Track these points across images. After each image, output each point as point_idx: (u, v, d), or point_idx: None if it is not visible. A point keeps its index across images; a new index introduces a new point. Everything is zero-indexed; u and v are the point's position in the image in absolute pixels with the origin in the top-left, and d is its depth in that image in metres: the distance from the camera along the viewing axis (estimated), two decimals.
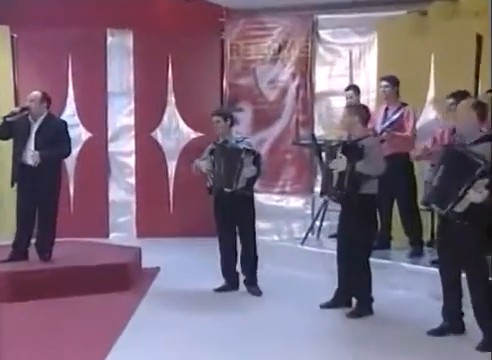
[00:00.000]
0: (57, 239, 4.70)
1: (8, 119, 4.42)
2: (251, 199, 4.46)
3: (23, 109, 4.49)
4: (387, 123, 4.82)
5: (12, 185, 4.52)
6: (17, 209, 4.53)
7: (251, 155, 4.36)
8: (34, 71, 6.20)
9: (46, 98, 4.55)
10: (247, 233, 4.47)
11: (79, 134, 6.37)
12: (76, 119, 6.39)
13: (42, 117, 4.48)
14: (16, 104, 5.94)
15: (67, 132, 4.54)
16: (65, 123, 4.59)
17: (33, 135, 4.47)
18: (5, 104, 5.68)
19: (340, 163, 3.91)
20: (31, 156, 4.36)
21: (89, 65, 6.30)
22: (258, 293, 4.52)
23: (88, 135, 6.44)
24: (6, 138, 4.55)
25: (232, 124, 4.49)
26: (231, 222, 4.41)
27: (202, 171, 4.38)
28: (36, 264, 4.52)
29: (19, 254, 4.59)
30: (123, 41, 6.37)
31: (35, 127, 4.49)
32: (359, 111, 4.07)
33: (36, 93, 4.53)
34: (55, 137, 4.45)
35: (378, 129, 4.83)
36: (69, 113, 6.36)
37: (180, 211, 6.37)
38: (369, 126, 4.28)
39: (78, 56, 6.27)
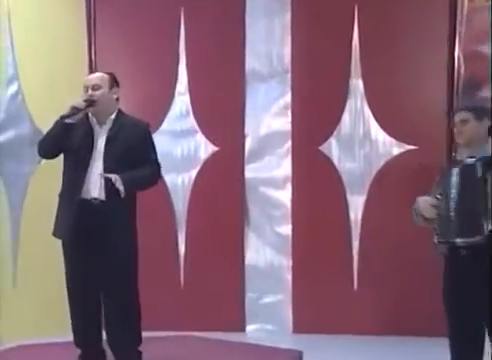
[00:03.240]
0: (152, 333, 4.00)
1: (67, 121, 3.56)
2: None
3: (88, 103, 3.64)
4: None
5: (56, 234, 3.67)
6: (69, 286, 3.69)
7: None
8: (120, 39, 5.20)
9: (115, 79, 3.76)
10: None
11: (196, 148, 5.12)
12: (191, 122, 5.10)
13: (112, 117, 3.69)
14: None
15: (153, 143, 3.77)
16: (148, 127, 3.79)
17: (102, 148, 3.63)
18: (77, 90, 4.45)
19: None
20: (115, 180, 3.52)
21: (215, 31, 5.07)
22: None
23: (211, 150, 5.13)
24: (54, 154, 3.69)
25: None
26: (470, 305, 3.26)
27: (427, 217, 3.30)
28: None
29: (90, 355, 3.78)
30: None
31: (102, 134, 3.67)
32: None
33: (102, 75, 3.74)
34: (134, 151, 3.65)
35: None
36: (178, 112, 5.20)
37: (373, 287, 4.90)
38: None
39: (196, 15, 5.08)
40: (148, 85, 4.74)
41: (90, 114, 3.61)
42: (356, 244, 4.85)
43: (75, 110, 3.52)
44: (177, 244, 4.95)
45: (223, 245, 4.94)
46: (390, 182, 4.73)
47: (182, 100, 5.01)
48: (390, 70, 4.82)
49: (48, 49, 4.84)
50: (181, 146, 4.87)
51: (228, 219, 4.97)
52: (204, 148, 5.03)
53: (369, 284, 4.79)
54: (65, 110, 3.54)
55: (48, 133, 3.60)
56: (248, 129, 5.01)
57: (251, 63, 4.99)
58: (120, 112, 3.70)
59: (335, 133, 4.94)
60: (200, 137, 5.02)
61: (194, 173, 4.98)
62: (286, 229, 4.98)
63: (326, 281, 4.81)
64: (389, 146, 4.85)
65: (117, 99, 3.66)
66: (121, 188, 3.49)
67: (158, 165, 3.73)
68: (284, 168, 4.99)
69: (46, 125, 4.46)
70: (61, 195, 3.61)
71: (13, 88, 4.75)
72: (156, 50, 4.97)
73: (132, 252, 3.62)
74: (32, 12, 4.84)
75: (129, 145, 3.61)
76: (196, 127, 5.01)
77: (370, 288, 4.78)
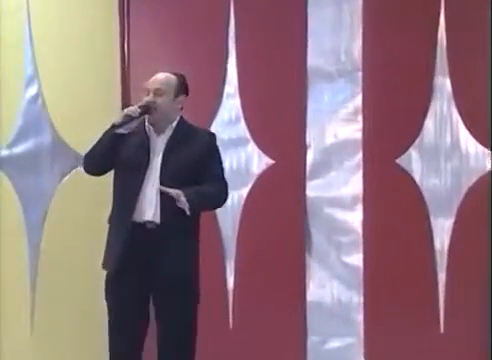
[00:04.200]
0: None
1: (119, 131, 3.53)
2: None
3: (145, 110, 3.56)
4: None
5: (106, 267, 3.60)
6: (113, 325, 3.61)
7: None
8: (157, 33, 4.94)
9: (185, 85, 3.72)
10: None
11: (247, 161, 4.87)
12: (241, 129, 4.85)
13: (173, 125, 3.65)
14: (125, 94, 4.85)
15: (220, 157, 3.76)
16: (215, 138, 3.79)
17: (159, 162, 3.58)
18: (107, 94, 4.75)
19: None
20: (178, 196, 3.46)
21: (271, 22, 4.80)
22: None
23: (266, 163, 4.86)
24: (102, 170, 3.66)
25: None
26: None
27: None
28: None
29: None
30: None
31: (160, 146, 3.64)
32: None
33: (167, 76, 3.67)
34: (197, 166, 3.64)
35: None
36: (226, 117, 4.91)
37: (464, 330, 4.59)
38: None
39: (248, 3, 4.87)
40: (190, 86, 4.32)
41: (147, 121, 3.55)
42: (442, 277, 4.59)
43: (128, 118, 3.45)
44: (225, 276, 4.71)
45: (280, 278, 4.69)
46: (483, 202, 4.50)
47: (231, 104, 4.81)
48: (484, 66, 4.56)
49: (73, 44, 4.74)
50: (230, 158, 4.62)
51: (286, 246, 4.71)
52: (257, 161, 4.80)
53: (459, 326, 4.54)
54: (117, 118, 3.47)
55: (96, 145, 3.53)
56: (310, 138, 4.75)
57: (314, 59, 4.75)
58: (182, 120, 3.62)
59: (416, 143, 4.69)
60: (252, 148, 4.78)
61: (245, 191, 4.72)
62: (356, 259, 4.72)
63: (405, 322, 4.57)
64: (482, 158, 4.62)
65: (182, 108, 3.61)
66: (185, 205, 3.40)
67: (225, 183, 3.65)
68: (354, 185, 4.72)
69: (70, 134, 4.51)
70: (111, 219, 3.55)
71: (32, 90, 4.68)
72: (200, 45, 4.73)
73: (193, 291, 3.58)
74: (54, 1, 4.78)
75: (191, 159, 3.54)
76: (248, 136, 4.77)
77: (460, 330, 4.55)
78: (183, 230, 3.50)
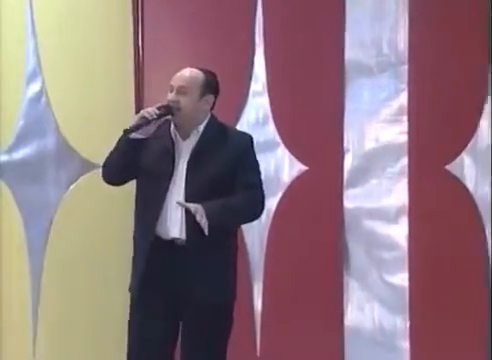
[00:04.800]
0: None
1: (134, 136, 3.40)
2: None
3: (166, 111, 3.42)
4: None
5: (131, 290, 3.52)
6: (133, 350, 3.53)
7: None
8: (175, 23, 4.92)
9: (214, 84, 3.58)
10: None
11: (277, 168, 4.69)
12: (270, 132, 4.68)
13: (200, 127, 3.50)
14: (139, 91, 4.83)
15: (255, 163, 3.60)
16: (251, 141, 3.63)
17: (184, 169, 3.45)
18: (119, 91, 4.76)
19: None
20: (196, 212, 3.31)
21: (304, 10, 4.57)
22: None
23: (298, 169, 4.66)
24: (122, 179, 3.55)
25: None
26: None
27: None
28: None
29: None
30: None
31: (186, 151, 3.50)
32: None
33: (193, 72, 3.52)
34: (228, 174, 3.48)
35: None
36: (253, 118, 4.76)
37: None
38: None
39: None
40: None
41: (172, 123, 3.45)
42: None
43: (144, 121, 3.31)
44: (252, 298, 4.64)
45: (314, 299, 4.52)
46: None
47: (259, 103, 4.70)
48: None
49: (81, 35, 4.75)
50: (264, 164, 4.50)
51: (321, 264, 4.54)
52: (288, 167, 4.67)
53: None
54: (132, 120, 3.37)
55: (111, 152, 3.46)
56: (348, 142, 4.53)
57: (353, 52, 4.54)
58: (212, 120, 3.49)
59: (469, 146, 4.39)
60: (283, 152, 4.65)
61: (274, 202, 4.60)
62: (401, 278, 4.44)
63: (457, 350, 4.26)
64: None
65: (212, 106, 3.48)
66: (203, 222, 3.26)
67: (261, 193, 3.51)
68: (398, 195, 4.45)
69: (77, 136, 4.53)
70: (135, 235, 3.48)
71: (34, 87, 4.64)
72: (223, 37, 4.76)
73: (227, 317, 3.47)
74: None
75: (221, 165, 3.40)
76: (277, 139, 4.65)
77: None
78: (215, 246, 3.35)
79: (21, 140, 4.60)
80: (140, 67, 4.83)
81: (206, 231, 3.28)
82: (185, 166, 3.43)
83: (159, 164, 3.45)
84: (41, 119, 4.64)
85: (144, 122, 3.34)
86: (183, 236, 3.36)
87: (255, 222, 4.48)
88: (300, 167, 4.59)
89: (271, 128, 4.65)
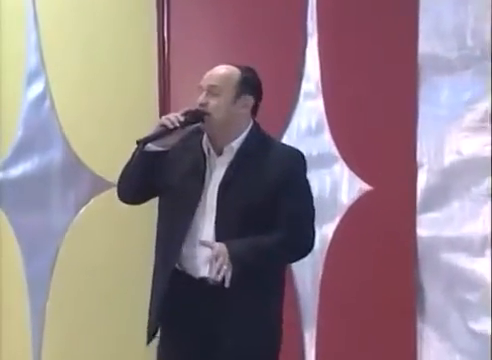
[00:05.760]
0: None
1: (150, 148, 3.11)
2: None
3: (194, 117, 3.09)
4: None
5: (149, 341, 3.32)
6: None
7: None
8: (206, 12, 4.63)
9: (254, 82, 3.22)
10: None
11: (334, 187, 4.25)
12: (326, 142, 4.22)
13: (239, 139, 3.15)
14: (164, 98, 4.54)
15: (306, 187, 3.23)
16: (301, 159, 3.26)
17: (215, 192, 3.11)
18: (140, 94, 4.49)
19: None
20: (218, 254, 3.01)
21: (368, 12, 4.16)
22: None
23: (360, 189, 4.15)
24: (141, 198, 3.26)
25: None
26: None
27: None
28: None
29: None
30: None
31: (219, 169, 3.16)
32: None
33: (227, 69, 3.20)
34: (270, 200, 3.10)
35: None
36: (305, 125, 4.31)
37: None
38: None
39: None
40: None
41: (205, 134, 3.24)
42: None
43: (164, 130, 3.05)
44: (303, 350, 4.25)
45: (381, 350, 4.04)
46: None
47: (311, 107, 4.27)
48: None
49: (93, 27, 4.45)
50: (310, 181, 3.91)
51: (389, 307, 4.01)
52: (348, 187, 4.22)
53: None
54: (151, 129, 3.18)
55: (126, 167, 3.21)
56: (422, 155, 4.04)
57: (428, 45, 4.07)
58: (255, 131, 3.17)
59: None
60: (341, 168, 4.22)
61: (330, 230, 4.19)
62: (488, 324, 3.90)
63: None
64: None
65: (254, 112, 3.15)
66: (224, 269, 2.95)
67: (311, 225, 3.17)
68: (484, 221, 3.93)
69: (89, 149, 4.17)
70: (155, 269, 3.26)
71: (37, 88, 4.37)
72: (266, 24, 4.32)
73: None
74: None
75: (262, 190, 3.09)
76: (334, 151, 4.20)
77: None
78: (254, 285, 3.04)
79: (20, 153, 4.35)
80: (166, 63, 4.62)
81: (227, 282, 2.96)
82: (216, 190, 3.10)
83: (186, 185, 3.14)
84: (44, 127, 4.39)
85: (163, 131, 3.05)
86: (212, 275, 3.07)
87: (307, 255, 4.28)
88: (363, 186, 4.16)
89: (326, 138, 4.23)
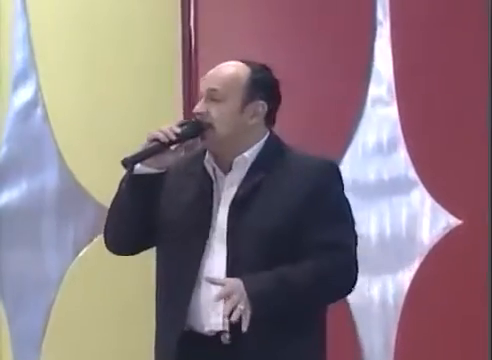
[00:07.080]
0: None
1: (140, 170, 2.68)
2: None
3: (192, 129, 2.67)
4: None
5: None
6: None
7: None
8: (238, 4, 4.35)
9: (267, 82, 2.75)
10: None
11: (413, 217, 3.76)
12: (402, 162, 3.74)
13: (251, 154, 2.75)
14: (190, 106, 4.02)
15: (342, 206, 2.77)
16: (336, 171, 2.80)
17: (224, 222, 2.68)
18: (156, 107, 3.97)
19: None
20: (231, 292, 2.61)
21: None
22: None
23: (447, 223, 3.69)
24: (134, 245, 2.69)
25: None
26: None
27: None
28: None
29: None
30: None
31: (228, 194, 2.73)
32: None
33: (233, 67, 2.71)
34: (293, 225, 2.71)
35: None
36: (374, 138, 3.87)
37: None
38: None
39: None
40: (308, 84, 3.86)
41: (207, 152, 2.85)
42: None
43: (157, 146, 2.64)
44: None
45: None
46: None
47: (382, 115, 3.84)
48: None
49: (97, 20, 4.07)
50: (378, 214, 3.82)
51: None
52: (431, 220, 3.79)
53: None
54: (140, 147, 2.72)
55: (112, 204, 2.75)
56: None
57: None
58: (270, 143, 2.74)
59: None
60: (422, 196, 3.79)
61: (408, 273, 3.73)
62: None
63: None
64: None
65: (270, 121, 2.69)
66: (237, 313, 2.57)
67: (352, 253, 2.68)
68: None
69: (90, 170, 3.84)
70: (156, 324, 2.80)
71: (25, 94, 4.06)
72: (318, 12, 3.88)
73: None
74: None
75: (284, 212, 2.67)
76: (413, 174, 3.77)
77: None
78: (283, 337, 2.61)
79: (4, 176, 4.07)
80: (191, 60, 4.16)
81: (244, 326, 2.52)
82: (226, 215, 2.68)
83: (188, 215, 2.72)
84: (35, 143, 4.13)
85: (156, 148, 2.65)
86: (226, 327, 2.63)
87: (376, 305, 3.87)
88: (450, 220, 3.81)
89: (402, 156, 3.82)
